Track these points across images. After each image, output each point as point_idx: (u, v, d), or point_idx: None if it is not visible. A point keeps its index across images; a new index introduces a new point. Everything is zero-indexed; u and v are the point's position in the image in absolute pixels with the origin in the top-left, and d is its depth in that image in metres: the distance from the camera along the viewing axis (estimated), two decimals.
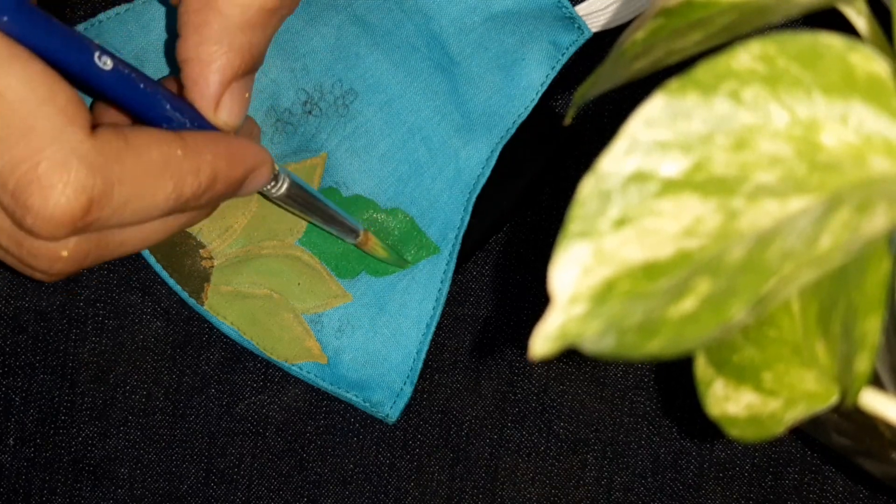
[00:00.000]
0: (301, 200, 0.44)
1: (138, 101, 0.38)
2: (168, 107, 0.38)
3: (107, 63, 0.36)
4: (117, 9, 0.47)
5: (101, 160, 0.35)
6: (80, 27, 0.47)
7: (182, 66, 0.39)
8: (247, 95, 0.40)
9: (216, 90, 0.39)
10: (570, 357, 0.50)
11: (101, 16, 0.47)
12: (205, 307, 0.48)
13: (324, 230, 0.47)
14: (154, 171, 0.36)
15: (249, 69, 0.40)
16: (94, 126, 0.35)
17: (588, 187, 0.25)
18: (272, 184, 0.42)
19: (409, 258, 0.49)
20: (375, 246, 0.47)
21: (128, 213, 0.36)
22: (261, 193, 0.43)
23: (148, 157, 0.36)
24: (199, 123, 0.39)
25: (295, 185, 0.43)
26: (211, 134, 0.39)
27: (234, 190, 0.40)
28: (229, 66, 0.39)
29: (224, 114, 0.39)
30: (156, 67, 0.47)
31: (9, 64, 0.33)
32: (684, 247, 0.26)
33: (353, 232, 0.46)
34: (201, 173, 0.37)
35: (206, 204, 0.39)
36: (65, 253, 0.37)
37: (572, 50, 0.48)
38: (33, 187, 0.34)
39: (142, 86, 0.38)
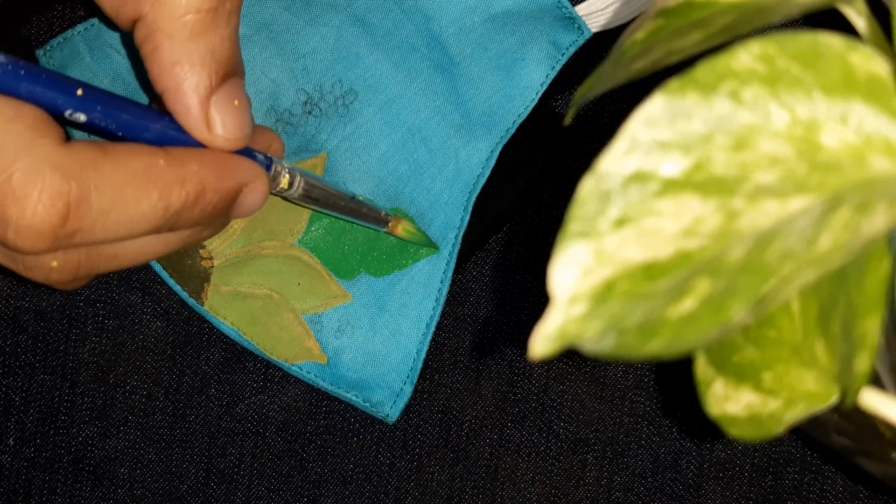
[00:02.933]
0: (323, 199, 0.44)
1: (128, 131, 0.37)
2: (166, 132, 0.38)
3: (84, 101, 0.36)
4: None
5: (76, 167, 0.34)
6: (80, 27, 0.47)
7: (161, 99, 0.38)
8: (236, 103, 0.38)
9: (198, 111, 0.38)
10: (570, 357, 0.50)
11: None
12: (205, 307, 0.48)
13: (353, 222, 0.47)
14: (135, 179, 0.35)
15: (224, 75, 0.38)
16: (68, 140, 0.35)
17: (588, 187, 0.25)
18: (288, 186, 0.42)
19: (409, 258, 0.49)
20: (405, 230, 0.47)
21: (111, 223, 0.35)
22: (281, 196, 0.43)
23: (127, 166, 0.35)
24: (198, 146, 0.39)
25: (311, 185, 0.43)
26: (197, 148, 0.38)
27: (228, 203, 0.39)
28: (199, 81, 0.37)
29: (218, 129, 0.38)
30: None
31: None
32: (684, 247, 0.26)
33: (383, 221, 0.46)
34: (188, 183, 0.37)
35: (200, 219, 0.38)
36: (55, 263, 0.36)
37: (572, 50, 0.48)
38: (8, 200, 0.34)
39: (128, 117, 0.37)
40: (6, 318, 0.50)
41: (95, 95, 0.36)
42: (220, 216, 0.39)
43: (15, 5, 0.50)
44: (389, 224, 0.47)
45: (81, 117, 0.36)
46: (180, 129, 0.38)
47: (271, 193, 0.42)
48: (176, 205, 0.36)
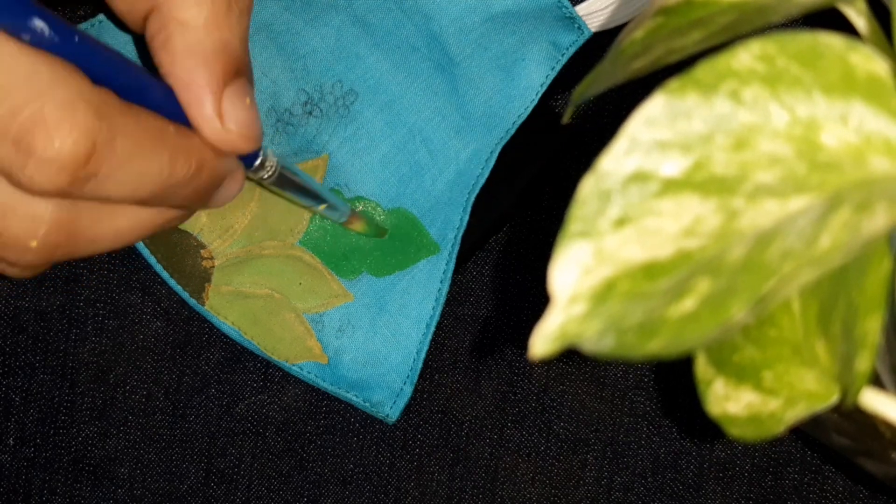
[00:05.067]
0: (291, 185, 0.44)
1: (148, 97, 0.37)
2: (168, 108, 0.37)
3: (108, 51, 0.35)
4: None
5: (106, 108, 0.34)
6: (82, 26, 0.47)
7: (174, 92, 0.38)
8: (247, 101, 0.38)
9: (211, 103, 0.37)
10: (570, 357, 0.50)
11: (101, 16, 0.47)
12: (206, 307, 0.48)
13: (316, 211, 0.47)
14: (152, 136, 0.35)
15: (236, 72, 0.38)
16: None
17: (588, 187, 0.25)
18: (264, 171, 0.42)
19: (410, 258, 0.49)
20: (360, 223, 0.48)
21: (122, 176, 0.35)
22: (254, 181, 0.42)
23: (147, 122, 0.35)
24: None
25: (285, 171, 0.43)
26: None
27: (215, 187, 0.39)
28: (212, 73, 0.37)
29: (231, 123, 0.37)
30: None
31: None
32: (684, 247, 0.26)
33: (343, 213, 0.47)
34: (192, 155, 0.36)
35: (189, 197, 0.38)
36: (34, 244, 0.36)
37: (572, 50, 0.48)
38: (38, 128, 0.33)
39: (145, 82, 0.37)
40: (6, 318, 0.50)
41: (106, 52, 0.36)
42: (203, 200, 0.39)
43: None
44: (349, 218, 0.47)
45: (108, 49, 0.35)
46: (180, 110, 0.38)
47: (251, 178, 0.42)
48: (178, 174, 0.36)
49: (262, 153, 0.41)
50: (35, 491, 0.50)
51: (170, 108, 0.37)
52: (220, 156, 0.38)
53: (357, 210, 0.48)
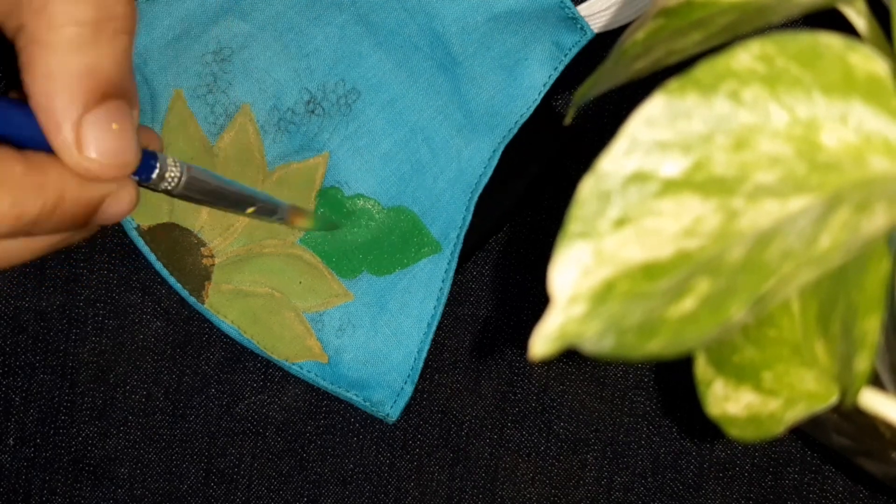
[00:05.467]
0: (209, 192, 0.42)
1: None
2: (33, 135, 0.35)
3: None
4: None
5: None
6: None
7: (36, 116, 0.36)
8: (114, 126, 0.35)
9: (69, 130, 0.35)
10: (570, 357, 0.50)
11: None
12: (205, 306, 0.48)
13: (241, 215, 0.46)
14: None
15: (103, 95, 0.35)
16: None
17: (588, 187, 0.25)
18: (164, 183, 0.39)
19: (411, 257, 0.49)
20: (304, 219, 0.46)
21: None
22: (163, 191, 0.40)
23: None
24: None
25: (196, 179, 0.41)
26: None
27: (90, 212, 0.37)
28: (72, 98, 0.35)
29: (90, 151, 0.35)
30: (159, 66, 0.47)
31: None
32: (684, 247, 0.26)
33: (282, 212, 0.45)
34: (45, 192, 0.35)
35: (58, 227, 0.36)
36: None
37: (575, 50, 0.48)
38: None
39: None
40: (6, 318, 0.50)
41: None
42: (80, 224, 0.37)
43: None
44: (287, 217, 0.46)
45: None
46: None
47: (156, 190, 0.40)
48: (30, 213, 0.35)
49: (158, 167, 0.39)
50: (35, 491, 0.50)
51: (35, 135, 0.35)
52: (86, 184, 0.36)
53: (294, 205, 0.46)
